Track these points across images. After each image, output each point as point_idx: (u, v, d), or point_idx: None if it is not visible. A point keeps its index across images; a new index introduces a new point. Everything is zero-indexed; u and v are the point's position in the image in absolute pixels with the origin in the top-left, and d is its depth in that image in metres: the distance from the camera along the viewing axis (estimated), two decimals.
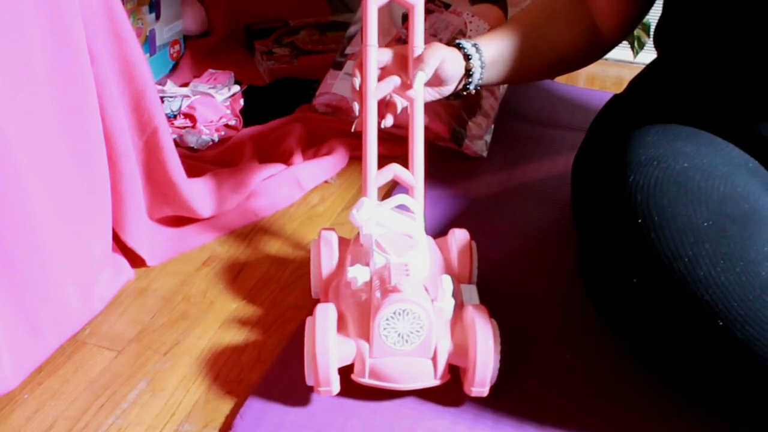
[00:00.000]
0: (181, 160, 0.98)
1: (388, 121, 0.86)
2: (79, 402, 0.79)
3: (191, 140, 1.24)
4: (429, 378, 0.75)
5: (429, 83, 0.86)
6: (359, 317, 0.75)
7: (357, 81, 0.83)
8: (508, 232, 1.05)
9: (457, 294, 0.81)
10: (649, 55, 1.00)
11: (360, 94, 0.83)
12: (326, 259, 0.86)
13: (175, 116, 1.29)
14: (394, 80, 0.84)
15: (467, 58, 0.88)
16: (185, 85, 1.39)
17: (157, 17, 1.42)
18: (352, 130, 0.92)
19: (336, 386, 0.74)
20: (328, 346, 0.72)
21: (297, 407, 0.77)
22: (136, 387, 0.81)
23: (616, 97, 1.01)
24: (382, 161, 0.83)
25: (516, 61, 0.92)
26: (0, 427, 0.76)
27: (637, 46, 1.48)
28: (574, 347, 0.86)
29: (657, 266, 0.71)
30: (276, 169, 1.13)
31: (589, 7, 0.94)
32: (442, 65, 0.85)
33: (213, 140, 1.26)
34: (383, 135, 0.87)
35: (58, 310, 0.82)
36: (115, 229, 0.93)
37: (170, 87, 1.36)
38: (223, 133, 1.28)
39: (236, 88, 1.40)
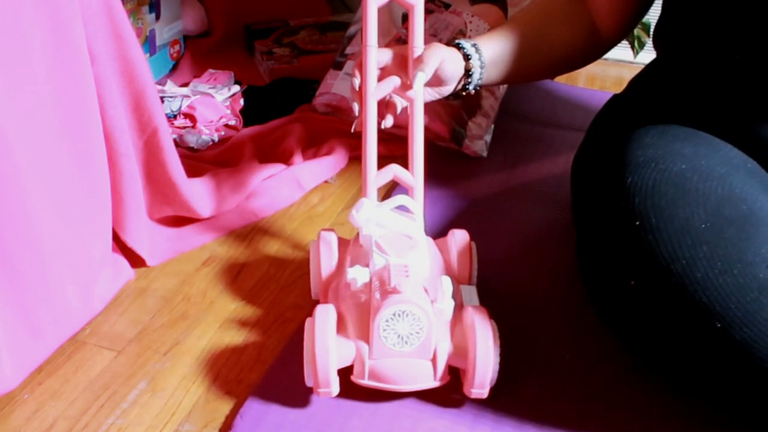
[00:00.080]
0: (181, 160, 0.98)
1: (388, 121, 0.86)
2: (79, 402, 0.79)
3: (191, 140, 1.24)
4: (429, 379, 0.75)
5: (429, 83, 0.86)
6: (359, 318, 0.75)
7: (357, 81, 0.83)
8: (508, 232, 1.05)
9: (456, 295, 0.81)
10: (649, 55, 1.01)
11: (360, 95, 0.83)
12: (326, 260, 0.86)
13: (175, 116, 1.29)
14: (394, 81, 0.84)
15: (467, 58, 0.88)
16: (185, 85, 1.39)
17: (157, 17, 1.42)
18: (352, 130, 0.92)
19: (335, 388, 0.74)
20: (328, 347, 0.72)
21: (297, 407, 0.77)
22: (136, 387, 0.81)
23: (615, 97, 1.01)
24: (382, 161, 0.83)
25: (515, 61, 0.92)
26: (0, 427, 0.76)
27: (637, 46, 1.48)
28: (574, 347, 0.86)
29: (654, 268, 0.71)
30: (276, 169, 1.13)
31: (588, 6, 0.94)
32: (441, 65, 0.85)
33: (213, 140, 1.26)
34: (383, 135, 0.87)
35: (58, 310, 0.82)
36: (115, 229, 0.93)
37: (170, 87, 1.36)
38: (223, 133, 1.28)
39: (236, 88, 1.40)
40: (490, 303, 0.81)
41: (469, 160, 1.23)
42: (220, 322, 0.90)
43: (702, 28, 0.85)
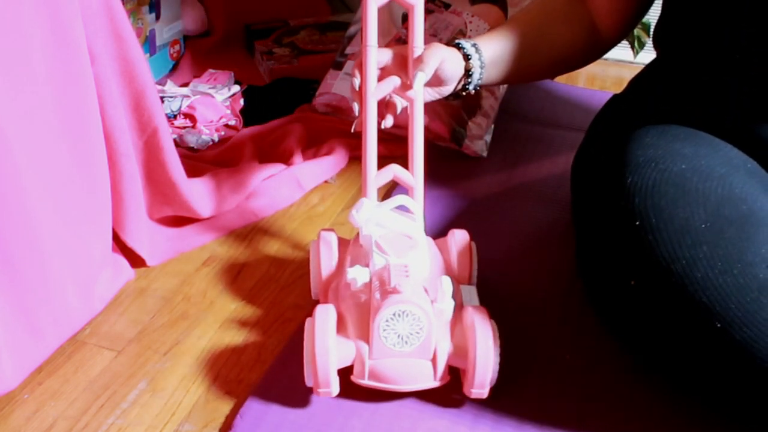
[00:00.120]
0: (181, 160, 0.98)
1: (388, 122, 0.86)
2: (79, 402, 0.79)
3: (191, 140, 1.24)
4: (429, 379, 0.75)
5: (428, 83, 0.86)
6: (359, 318, 0.75)
7: (357, 81, 0.83)
8: (508, 232, 1.05)
9: (456, 295, 0.81)
10: (649, 54, 1.01)
11: (360, 95, 0.83)
12: (326, 260, 0.86)
13: (175, 116, 1.29)
14: (394, 81, 0.84)
15: (467, 58, 0.88)
16: (185, 85, 1.39)
17: (157, 17, 1.42)
18: (352, 130, 0.92)
19: (336, 388, 0.74)
20: (328, 347, 0.72)
21: (297, 407, 0.77)
22: (136, 387, 0.81)
23: (615, 97, 1.01)
24: (382, 161, 0.83)
25: (515, 61, 0.92)
26: (0, 427, 0.76)
27: (637, 46, 1.48)
28: (574, 347, 0.86)
29: (654, 268, 0.71)
30: (276, 169, 1.13)
31: (588, 6, 0.94)
32: (441, 65, 0.84)
33: (213, 140, 1.26)
34: (383, 135, 0.87)
35: (58, 310, 0.82)
36: (115, 229, 0.93)
37: (170, 87, 1.36)
38: (223, 133, 1.28)
39: (236, 88, 1.40)
40: (490, 303, 0.81)
41: (469, 160, 1.23)
42: (220, 322, 0.90)
43: (701, 28, 0.85)
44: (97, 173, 0.86)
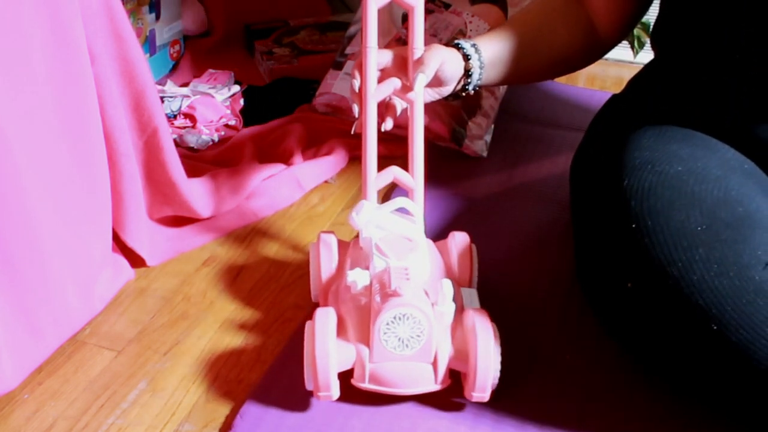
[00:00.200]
0: (181, 160, 0.98)
1: (388, 124, 0.86)
2: (79, 402, 0.79)
3: (191, 140, 1.24)
4: (429, 383, 0.75)
5: (428, 84, 0.85)
6: (359, 321, 0.75)
7: (356, 83, 0.83)
8: (508, 232, 1.05)
9: (457, 298, 0.81)
10: (649, 54, 1.00)
11: (359, 96, 0.83)
12: (325, 262, 0.86)
13: (175, 116, 1.29)
14: (394, 82, 0.84)
15: (466, 58, 0.88)
16: (185, 85, 1.39)
17: (157, 17, 1.42)
18: (352, 132, 0.92)
19: (336, 391, 0.73)
20: (328, 350, 0.72)
21: (297, 407, 0.77)
22: (136, 387, 0.81)
23: (614, 97, 1.01)
24: (382, 161, 0.83)
25: (514, 62, 0.92)
26: (0, 427, 0.76)
27: (637, 46, 1.48)
28: (574, 347, 0.86)
29: (651, 271, 0.71)
30: (276, 169, 1.13)
31: (586, 7, 0.94)
32: (442, 66, 0.84)
33: (213, 140, 1.26)
34: (383, 135, 0.87)
35: (58, 310, 0.82)
36: (115, 229, 0.93)
37: (170, 87, 1.36)
38: (223, 133, 1.28)
39: (236, 88, 1.40)
40: (490, 303, 0.81)
41: (469, 160, 1.23)
42: (220, 322, 0.90)
43: (700, 28, 0.85)
44: (97, 173, 0.86)
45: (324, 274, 0.86)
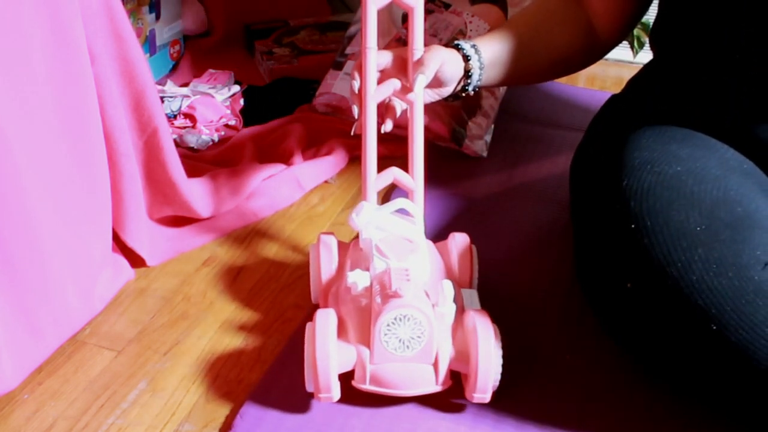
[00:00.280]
0: (181, 160, 0.98)
1: (388, 126, 0.86)
2: (79, 402, 0.79)
3: (191, 140, 1.24)
4: (430, 384, 0.75)
5: (428, 85, 0.85)
6: (360, 323, 0.75)
7: (356, 84, 0.83)
8: (508, 232, 1.05)
9: (458, 299, 0.81)
10: (648, 54, 1.00)
11: (359, 98, 0.83)
12: (325, 263, 0.86)
13: (175, 116, 1.29)
14: (394, 83, 0.84)
15: (466, 59, 0.88)
16: (185, 85, 1.39)
17: (157, 17, 1.42)
18: (352, 133, 0.92)
19: (336, 393, 0.73)
20: (329, 352, 0.72)
21: (297, 407, 0.77)
22: (136, 387, 0.81)
23: (614, 97, 1.01)
24: (382, 161, 0.83)
25: (514, 63, 0.92)
26: (0, 427, 0.76)
27: (637, 46, 1.48)
28: (574, 347, 0.86)
29: (650, 271, 0.71)
30: (276, 169, 1.13)
31: (585, 8, 0.94)
32: (441, 67, 0.84)
33: (213, 140, 1.26)
34: (383, 135, 0.87)
35: (58, 310, 0.82)
36: (115, 229, 0.93)
37: (170, 87, 1.36)
38: (223, 133, 1.28)
39: (236, 88, 1.40)
40: (490, 303, 0.81)
41: (469, 160, 1.23)
42: (220, 322, 0.90)
43: (700, 28, 0.85)
44: (97, 173, 0.86)
45: (324, 275, 0.86)
